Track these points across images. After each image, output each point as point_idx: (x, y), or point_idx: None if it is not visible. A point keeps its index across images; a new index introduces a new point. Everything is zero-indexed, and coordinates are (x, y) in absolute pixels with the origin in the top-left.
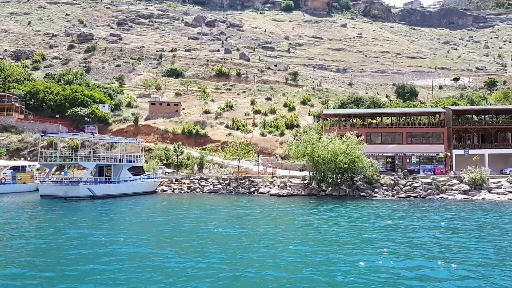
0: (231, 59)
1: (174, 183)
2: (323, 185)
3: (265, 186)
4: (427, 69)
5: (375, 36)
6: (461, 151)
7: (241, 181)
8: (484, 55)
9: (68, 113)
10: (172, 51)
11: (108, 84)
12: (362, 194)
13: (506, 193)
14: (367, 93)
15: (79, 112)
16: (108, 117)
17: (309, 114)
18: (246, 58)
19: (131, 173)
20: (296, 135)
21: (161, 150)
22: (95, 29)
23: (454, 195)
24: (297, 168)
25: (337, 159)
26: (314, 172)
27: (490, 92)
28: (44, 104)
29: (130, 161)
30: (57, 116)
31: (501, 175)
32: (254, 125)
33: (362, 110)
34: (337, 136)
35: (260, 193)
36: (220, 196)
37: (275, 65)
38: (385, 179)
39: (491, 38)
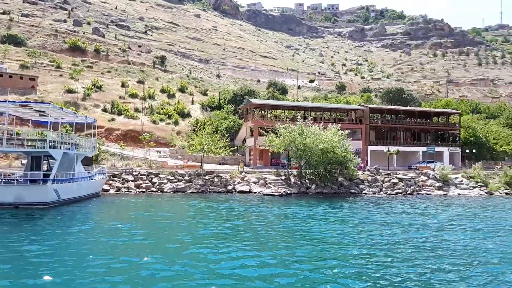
0: (83, 33)
1: (113, 180)
2: (307, 181)
3: (238, 183)
4: (280, 69)
5: (228, 32)
6: (376, 147)
7: (206, 178)
8: (320, 62)
9: None
10: (4, 13)
11: None
12: (351, 191)
13: (471, 188)
14: (235, 85)
15: None
16: None
17: (192, 103)
18: (101, 34)
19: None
20: (195, 125)
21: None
22: None
23: (433, 191)
24: (216, 161)
25: (334, 151)
26: (303, 166)
27: (339, 94)
28: None
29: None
30: None
31: (410, 170)
32: (137, 110)
33: (292, 103)
34: (318, 127)
35: (241, 192)
36: (194, 197)
37: (139, 46)
38: (364, 176)
39: (323, 47)
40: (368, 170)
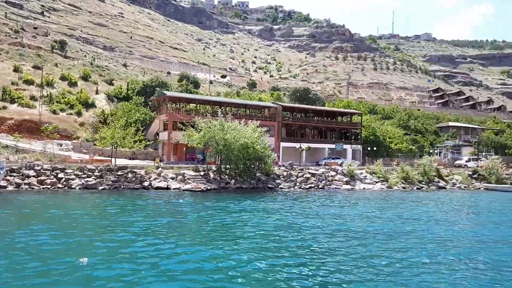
0: None
1: (11, 176)
2: (226, 176)
3: (154, 179)
4: (191, 62)
5: (136, 19)
6: (287, 144)
7: (119, 174)
8: (231, 58)
9: None
10: None
11: None
12: (269, 185)
13: (374, 183)
14: (144, 76)
15: None
16: None
17: (97, 93)
18: None
19: None
20: (101, 117)
21: None
22: None
23: (342, 186)
24: (126, 156)
25: (254, 146)
26: (225, 161)
27: (251, 90)
28: None
29: None
30: None
31: (318, 166)
32: (34, 98)
33: (208, 98)
34: (239, 123)
35: (159, 188)
36: (108, 194)
37: (35, 28)
38: (280, 171)
39: (234, 44)
40: (283, 165)
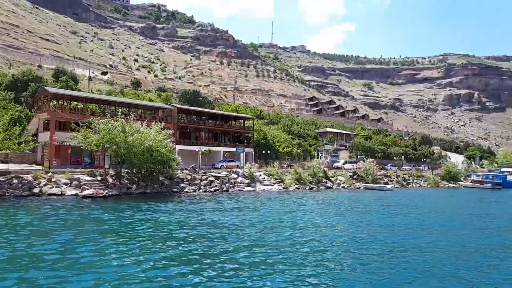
0: None
1: None
2: (126, 181)
3: (45, 185)
4: (66, 56)
5: None
6: (183, 147)
7: (1, 180)
8: (111, 54)
9: None
10: None
11: None
12: (174, 190)
13: (272, 184)
14: (10, 68)
15: None
16: None
17: None
18: None
19: None
20: None
21: None
22: None
23: (244, 188)
24: None
25: (159, 150)
26: (126, 165)
27: (135, 90)
28: None
29: None
30: None
31: (216, 169)
32: None
33: (98, 96)
34: (142, 125)
35: (51, 194)
36: None
37: None
38: (183, 174)
39: (114, 39)
40: (186, 169)
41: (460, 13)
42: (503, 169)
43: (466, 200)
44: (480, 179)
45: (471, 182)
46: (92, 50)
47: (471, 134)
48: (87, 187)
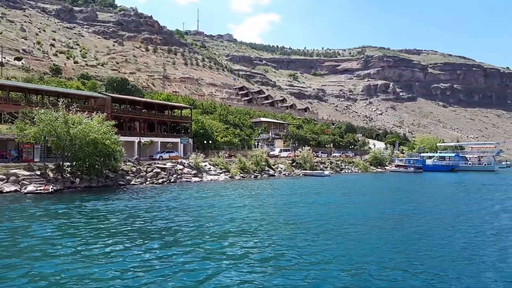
0: None
1: None
2: (69, 175)
3: None
4: None
5: None
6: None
7: None
8: (23, 38)
9: None
10: None
11: None
12: (120, 182)
13: (218, 174)
14: None
15: None
16: None
17: None
18: None
19: None
20: None
21: None
22: None
23: (191, 178)
24: None
25: (104, 142)
26: (69, 158)
27: (55, 77)
28: None
29: None
30: None
31: (155, 160)
32: None
33: (22, 84)
34: (86, 116)
35: None
36: None
37: None
38: (128, 166)
39: (26, 22)
40: (129, 161)
41: (378, 5)
42: (422, 154)
43: (405, 182)
44: (403, 164)
45: (395, 166)
46: (1, 33)
47: (387, 122)
48: (27, 183)
